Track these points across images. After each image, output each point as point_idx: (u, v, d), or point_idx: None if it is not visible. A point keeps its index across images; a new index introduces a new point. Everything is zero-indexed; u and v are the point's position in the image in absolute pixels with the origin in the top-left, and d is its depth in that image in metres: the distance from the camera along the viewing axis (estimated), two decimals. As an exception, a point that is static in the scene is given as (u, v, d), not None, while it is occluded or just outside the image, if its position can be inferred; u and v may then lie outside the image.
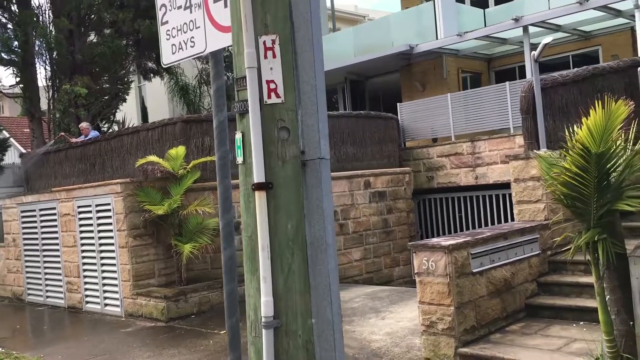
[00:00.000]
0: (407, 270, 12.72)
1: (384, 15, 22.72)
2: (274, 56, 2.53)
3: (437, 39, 15.71)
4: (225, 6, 3.46)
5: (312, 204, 2.51)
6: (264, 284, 2.41)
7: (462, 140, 12.79)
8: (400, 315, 8.05)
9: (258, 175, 2.47)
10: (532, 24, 13.78)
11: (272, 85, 2.52)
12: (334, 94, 18.89)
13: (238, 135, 2.60)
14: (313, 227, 2.49)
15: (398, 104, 14.76)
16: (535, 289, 7.13)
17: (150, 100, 25.63)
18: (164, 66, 3.84)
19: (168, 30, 3.86)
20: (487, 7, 17.46)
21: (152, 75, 19.92)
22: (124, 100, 20.23)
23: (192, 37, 3.69)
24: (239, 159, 2.60)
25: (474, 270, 6.26)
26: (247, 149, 2.55)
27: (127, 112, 22.06)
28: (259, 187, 2.47)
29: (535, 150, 7.74)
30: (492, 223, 11.96)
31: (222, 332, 8.17)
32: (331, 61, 15.89)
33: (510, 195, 9.58)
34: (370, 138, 13.26)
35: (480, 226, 12.04)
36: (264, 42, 2.52)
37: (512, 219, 10.01)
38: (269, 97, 2.52)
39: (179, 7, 3.75)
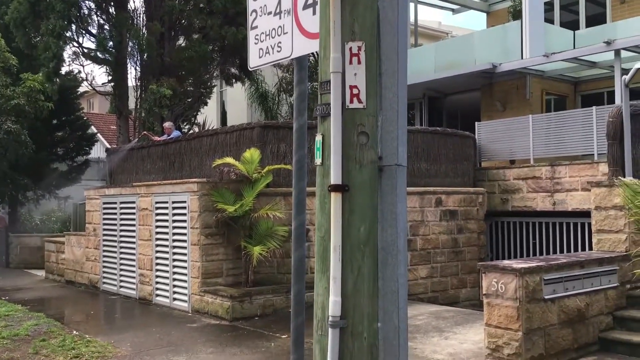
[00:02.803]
0: (474, 292, 12.43)
1: (468, 32, 22.42)
2: (359, 62, 2.57)
3: (522, 58, 15.35)
4: (314, 13, 3.54)
5: (386, 209, 2.53)
6: (333, 284, 2.45)
7: (542, 164, 12.42)
8: (465, 337, 7.87)
9: (335, 177, 2.52)
10: (625, 48, 13.23)
11: (355, 91, 2.56)
12: (411, 109, 18.76)
13: (318, 137, 2.65)
14: (385, 231, 2.51)
15: (476, 122, 14.51)
16: (610, 323, 6.81)
17: (230, 105, 26.41)
18: (250, 69, 3.97)
19: (257, 34, 3.99)
20: (578, 28, 16.91)
21: (234, 80, 20.52)
22: (206, 103, 20.98)
23: (279, 42, 3.80)
24: (318, 161, 2.65)
25: (546, 297, 6.06)
26: (326, 151, 2.60)
27: (208, 115, 22.88)
28: (335, 188, 2.51)
29: (620, 178, 7.42)
30: (568, 251, 11.51)
31: (284, 336, 8.26)
32: (410, 76, 15.57)
33: (589, 224, 9.21)
34: (445, 155, 13.10)
35: (554, 254, 11.62)
36: (350, 48, 2.57)
37: (590, 249, 9.62)
38: (351, 101, 2.56)
39: (269, 13, 3.87)
